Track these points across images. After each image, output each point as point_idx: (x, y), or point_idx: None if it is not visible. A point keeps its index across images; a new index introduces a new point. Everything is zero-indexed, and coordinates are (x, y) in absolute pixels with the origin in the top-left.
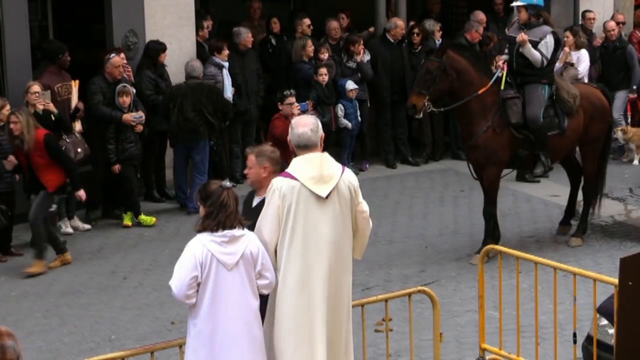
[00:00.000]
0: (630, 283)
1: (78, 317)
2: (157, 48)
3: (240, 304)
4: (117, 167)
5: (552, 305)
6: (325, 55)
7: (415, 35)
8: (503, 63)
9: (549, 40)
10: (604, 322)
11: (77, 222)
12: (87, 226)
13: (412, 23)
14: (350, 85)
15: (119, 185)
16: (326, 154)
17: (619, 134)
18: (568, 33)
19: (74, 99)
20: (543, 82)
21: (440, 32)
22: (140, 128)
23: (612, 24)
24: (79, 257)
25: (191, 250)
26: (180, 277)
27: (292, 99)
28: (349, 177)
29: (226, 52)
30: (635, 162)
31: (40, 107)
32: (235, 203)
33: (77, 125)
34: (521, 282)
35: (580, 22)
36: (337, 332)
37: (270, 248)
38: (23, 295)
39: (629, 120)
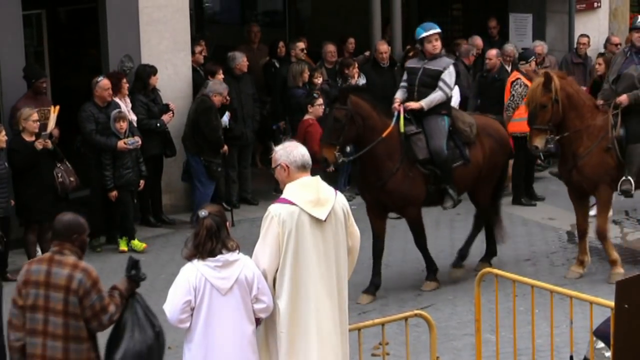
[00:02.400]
0: (626, 306)
1: None
2: (147, 71)
3: (235, 328)
4: (114, 194)
5: (548, 328)
6: (319, 80)
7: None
8: (399, 105)
9: (452, 70)
10: (601, 345)
11: None
12: None
13: (408, 47)
14: None
15: (115, 210)
16: (319, 178)
17: None
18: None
19: (50, 125)
20: (442, 114)
21: None
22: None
23: (493, 52)
24: None
25: (185, 274)
26: (173, 302)
27: (321, 100)
28: (342, 200)
29: (221, 76)
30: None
31: (40, 146)
32: (207, 232)
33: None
34: (518, 306)
35: (574, 47)
36: (334, 353)
37: (269, 276)
38: None
39: None
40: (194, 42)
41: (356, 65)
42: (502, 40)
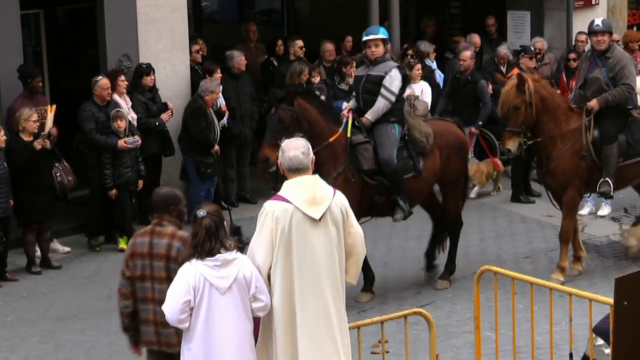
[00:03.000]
0: (625, 303)
1: (74, 342)
2: (140, 71)
3: (234, 327)
4: (113, 193)
5: (548, 325)
6: (317, 79)
7: (408, 57)
8: (348, 111)
9: (394, 74)
10: (600, 342)
11: (57, 245)
12: (67, 249)
13: (405, 45)
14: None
15: (114, 209)
16: (317, 176)
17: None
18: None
19: (48, 124)
20: (392, 121)
21: (435, 54)
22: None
23: (467, 54)
24: (75, 281)
25: (184, 274)
26: (172, 302)
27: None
28: (341, 199)
29: (218, 75)
30: (472, 194)
31: (39, 146)
32: (206, 231)
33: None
34: (517, 303)
35: (572, 44)
36: (329, 353)
37: (263, 272)
38: (18, 320)
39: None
40: (192, 41)
41: (354, 64)
42: (500, 38)
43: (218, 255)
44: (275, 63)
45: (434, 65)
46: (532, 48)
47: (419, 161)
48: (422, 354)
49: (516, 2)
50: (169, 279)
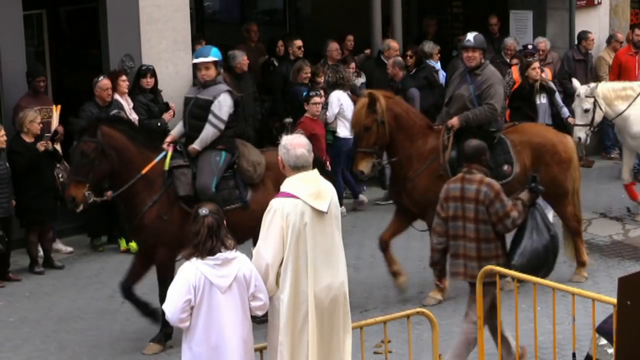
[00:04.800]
0: (628, 302)
1: (77, 342)
2: (139, 73)
3: (234, 326)
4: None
5: (551, 325)
6: (322, 79)
7: (408, 57)
8: (168, 145)
9: (224, 99)
10: (603, 342)
11: (59, 245)
12: (69, 249)
13: (408, 52)
14: None
15: (116, 209)
16: (317, 171)
17: None
18: None
19: (54, 123)
20: (219, 149)
21: (439, 55)
22: None
23: (391, 62)
24: (77, 281)
25: (184, 274)
26: (173, 301)
27: (318, 99)
28: (336, 195)
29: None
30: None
31: (42, 148)
32: (208, 230)
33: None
34: (520, 303)
35: (576, 43)
36: (335, 347)
37: (273, 270)
38: (21, 320)
39: None
40: (195, 41)
41: (355, 64)
42: (502, 38)
43: (218, 254)
44: (276, 63)
45: (437, 65)
46: (530, 46)
47: (247, 192)
48: (425, 353)
49: (518, 2)
50: (477, 220)
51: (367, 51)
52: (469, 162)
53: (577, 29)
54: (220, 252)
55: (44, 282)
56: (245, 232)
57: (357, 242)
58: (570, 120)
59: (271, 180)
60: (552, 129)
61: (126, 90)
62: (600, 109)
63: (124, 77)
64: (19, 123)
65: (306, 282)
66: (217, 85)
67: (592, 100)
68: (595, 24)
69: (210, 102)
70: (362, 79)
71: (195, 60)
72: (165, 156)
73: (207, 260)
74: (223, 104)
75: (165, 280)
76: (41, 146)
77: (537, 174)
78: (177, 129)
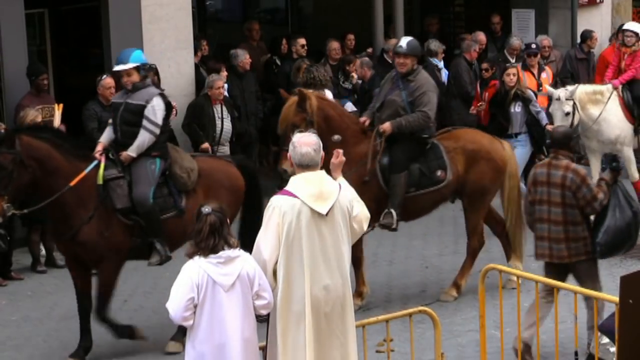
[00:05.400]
0: (630, 301)
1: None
2: None
3: (238, 324)
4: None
5: (553, 324)
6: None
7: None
8: (100, 154)
9: (157, 103)
10: (605, 340)
11: None
12: None
13: None
14: (349, 107)
15: None
16: (324, 172)
17: None
18: None
19: (56, 122)
20: (153, 156)
21: (444, 54)
22: None
23: (358, 62)
24: None
25: (187, 272)
26: (176, 299)
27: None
28: (347, 194)
29: (224, 73)
30: None
31: None
32: (210, 228)
33: None
34: (522, 301)
35: (578, 42)
36: (335, 348)
37: (269, 266)
38: (24, 319)
39: None
40: (197, 40)
41: (357, 62)
42: (504, 36)
43: (221, 253)
44: (278, 62)
45: (441, 64)
46: (534, 45)
47: (181, 199)
48: (428, 352)
49: (520, 0)
50: (564, 204)
51: (369, 50)
52: (556, 148)
53: (579, 28)
54: (223, 250)
55: (46, 281)
56: (179, 239)
57: None
58: (548, 127)
59: (202, 188)
60: (487, 135)
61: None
62: (579, 112)
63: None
64: (20, 122)
65: (300, 283)
66: (148, 88)
67: (572, 103)
68: (598, 23)
69: (143, 107)
70: None
71: (116, 68)
72: (97, 166)
73: (210, 259)
74: (157, 108)
75: (106, 295)
76: None
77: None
78: (106, 136)
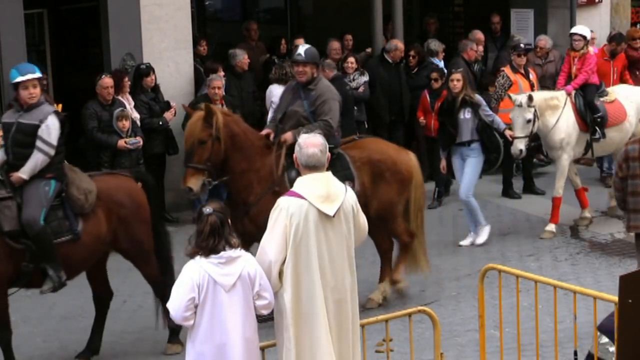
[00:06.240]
0: (630, 301)
1: (79, 341)
2: (139, 72)
3: (239, 325)
4: None
5: (552, 323)
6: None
7: (411, 57)
8: None
9: (52, 122)
10: (605, 340)
11: None
12: None
13: (411, 53)
14: None
15: None
16: (330, 173)
17: None
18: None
19: None
20: (47, 177)
21: (444, 53)
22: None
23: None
24: (78, 280)
25: (188, 272)
26: (177, 299)
27: None
28: (351, 195)
29: (221, 73)
30: None
31: None
32: (211, 228)
33: None
34: (521, 301)
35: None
36: (344, 348)
37: (276, 268)
38: (23, 319)
39: None
40: (196, 40)
41: (354, 61)
42: (504, 36)
43: (222, 253)
44: (277, 62)
45: (441, 64)
46: (522, 45)
47: (77, 223)
48: (427, 352)
49: (520, 0)
50: None
51: (369, 50)
52: None
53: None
54: (224, 250)
55: None
56: (77, 264)
57: None
58: (507, 133)
59: (102, 210)
60: (393, 145)
61: (128, 90)
62: (537, 118)
63: (127, 78)
64: None
65: (309, 284)
66: (41, 106)
67: (533, 109)
68: (596, 23)
69: (37, 127)
70: (365, 77)
71: (22, 78)
72: None
73: (211, 259)
74: (52, 128)
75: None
76: None
77: None
78: None
